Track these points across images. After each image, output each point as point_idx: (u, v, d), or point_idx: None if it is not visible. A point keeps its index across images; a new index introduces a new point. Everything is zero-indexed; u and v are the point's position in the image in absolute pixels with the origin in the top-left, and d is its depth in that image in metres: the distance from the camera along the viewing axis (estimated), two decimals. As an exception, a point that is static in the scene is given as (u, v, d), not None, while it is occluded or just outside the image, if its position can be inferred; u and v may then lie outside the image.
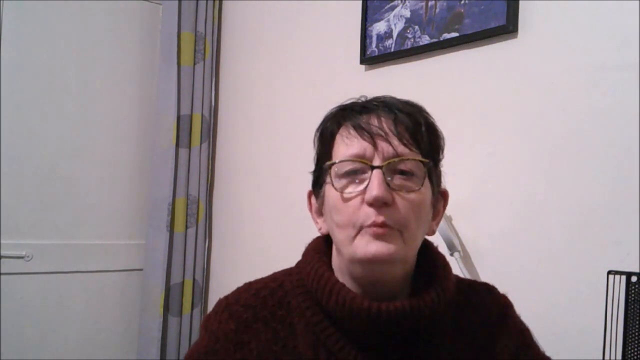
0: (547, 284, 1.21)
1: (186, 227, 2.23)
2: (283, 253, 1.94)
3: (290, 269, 0.80)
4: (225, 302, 0.76)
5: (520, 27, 1.29)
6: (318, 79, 1.86)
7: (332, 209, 0.71)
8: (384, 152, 0.69)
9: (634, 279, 1.00)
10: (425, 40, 1.47)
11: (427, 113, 0.75)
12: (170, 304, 2.20)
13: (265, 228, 2.06)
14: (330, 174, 0.71)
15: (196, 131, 2.25)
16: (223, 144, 2.34)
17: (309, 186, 0.79)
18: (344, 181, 0.70)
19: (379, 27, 1.60)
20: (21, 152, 2.02)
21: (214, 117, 2.35)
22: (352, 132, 0.71)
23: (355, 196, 0.69)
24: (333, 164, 0.71)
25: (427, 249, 0.78)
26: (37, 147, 2.05)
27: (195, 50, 2.25)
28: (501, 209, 1.31)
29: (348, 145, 0.70)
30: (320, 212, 0.77)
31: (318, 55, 1.87)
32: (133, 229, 2.26)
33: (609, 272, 1.04)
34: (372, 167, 0.68)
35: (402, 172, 0.69)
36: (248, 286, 0.78)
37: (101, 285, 2.20)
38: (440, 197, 0.77)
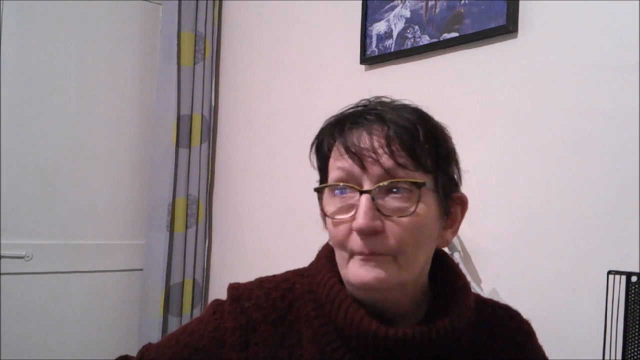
0: (547, 284, 1.21)
1: (186, 227, 2.23)
2: (283, 253, 1.96)
3: (303, 269, 0.77)
4: (238, 295, 0.74)
5: (520, 27, 1.29)
6: (318, 79, 1.86)
7: (328, 229, 0.70)
8: (373, 174, 0.64)
9: (634, 279, 1.00)
10: (425, 40, 1.47)
11: (428, 119, 0.69)
12: (170, 304, 2.20)
13: (265, 228, 2.05)
14: (322, 196, 0.69)
15: (196, 131, 2.25)
16: (223, 144, 2.34)
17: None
18: (337, 202, 0.67)
19: (379, 27, 1.60)
20: (21, 152, 2.02)
21: (214, 117, 2.35)
22: (343, 153, 0.66)
23: (344, 222, 0.66)
24: (322, 188, 0.69)
25: (444, 263, 0.74)
26: (37, 147, 2.05)
27: (195, 50, 2.25)
28: (501, 209, 1.31)
29: (338, 167, 0.67)
30: None
31: (318, 55, 1.87)
32: (133, 229, 2.26)
33: (609, 272, 1.04)
34: (361, 192, 0.64)
35: (397, 191, 0.65)
36: (259, 283, 0.75)
37: (101, 285, 2.20)
38: (456, 203, 0.72)
